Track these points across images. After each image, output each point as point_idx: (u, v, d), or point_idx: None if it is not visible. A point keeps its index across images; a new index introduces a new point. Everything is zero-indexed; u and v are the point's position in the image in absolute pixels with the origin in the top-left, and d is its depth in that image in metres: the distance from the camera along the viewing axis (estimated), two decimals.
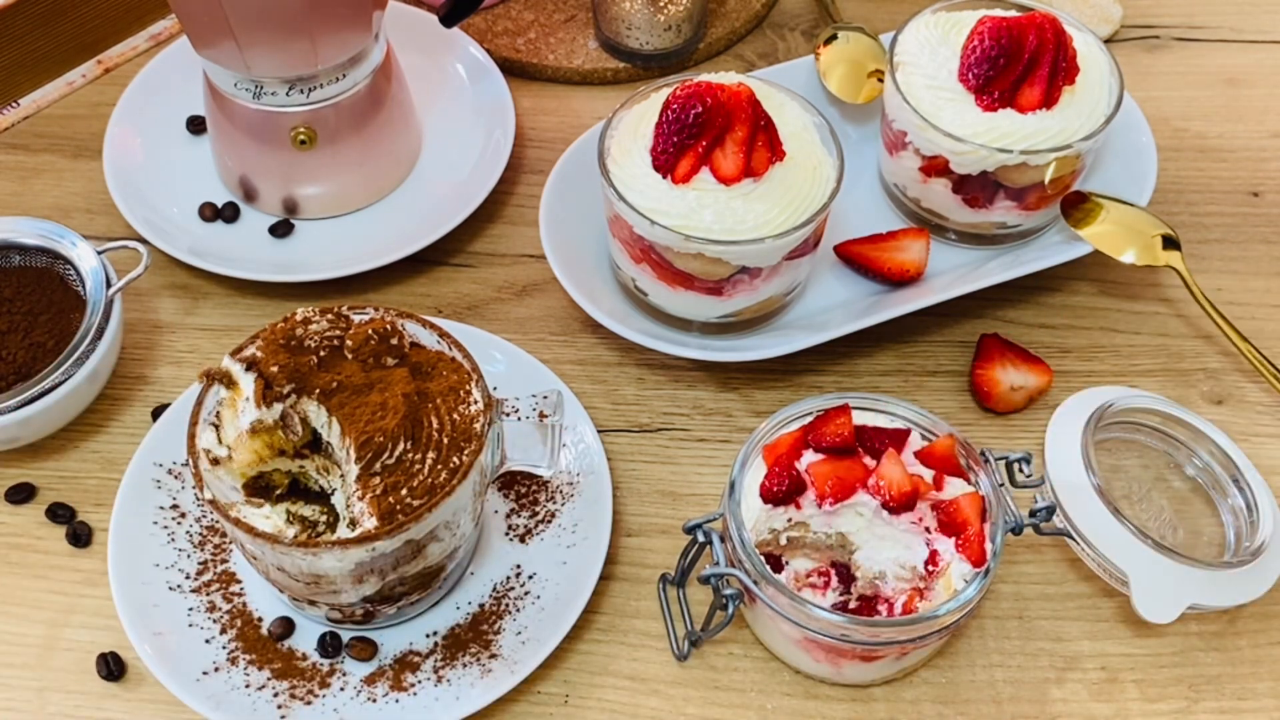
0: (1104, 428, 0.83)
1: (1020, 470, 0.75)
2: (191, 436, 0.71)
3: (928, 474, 0.73)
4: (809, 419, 0.75)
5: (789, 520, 0.74)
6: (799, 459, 0.73)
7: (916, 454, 0.73)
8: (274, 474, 0.74)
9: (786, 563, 0.77)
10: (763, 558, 0.73)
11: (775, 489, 0.72)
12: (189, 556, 0.79)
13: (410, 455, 0.69)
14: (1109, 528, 0.77)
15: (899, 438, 0.74)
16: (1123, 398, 0.83)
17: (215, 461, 0.71)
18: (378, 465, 0.68)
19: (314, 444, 0.73)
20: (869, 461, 0.73)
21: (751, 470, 0.74)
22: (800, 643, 0.73)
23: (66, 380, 0.83)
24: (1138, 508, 0.84)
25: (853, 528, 0.73)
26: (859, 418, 0.75)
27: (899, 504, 0.71)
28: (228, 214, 0.98)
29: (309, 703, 0.74)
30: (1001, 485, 0.73)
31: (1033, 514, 0.74)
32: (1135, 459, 0.86)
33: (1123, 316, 0.96)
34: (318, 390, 0.71)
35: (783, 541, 0.75)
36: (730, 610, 0.71)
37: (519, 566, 0.80)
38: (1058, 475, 0.79)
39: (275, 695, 0.74)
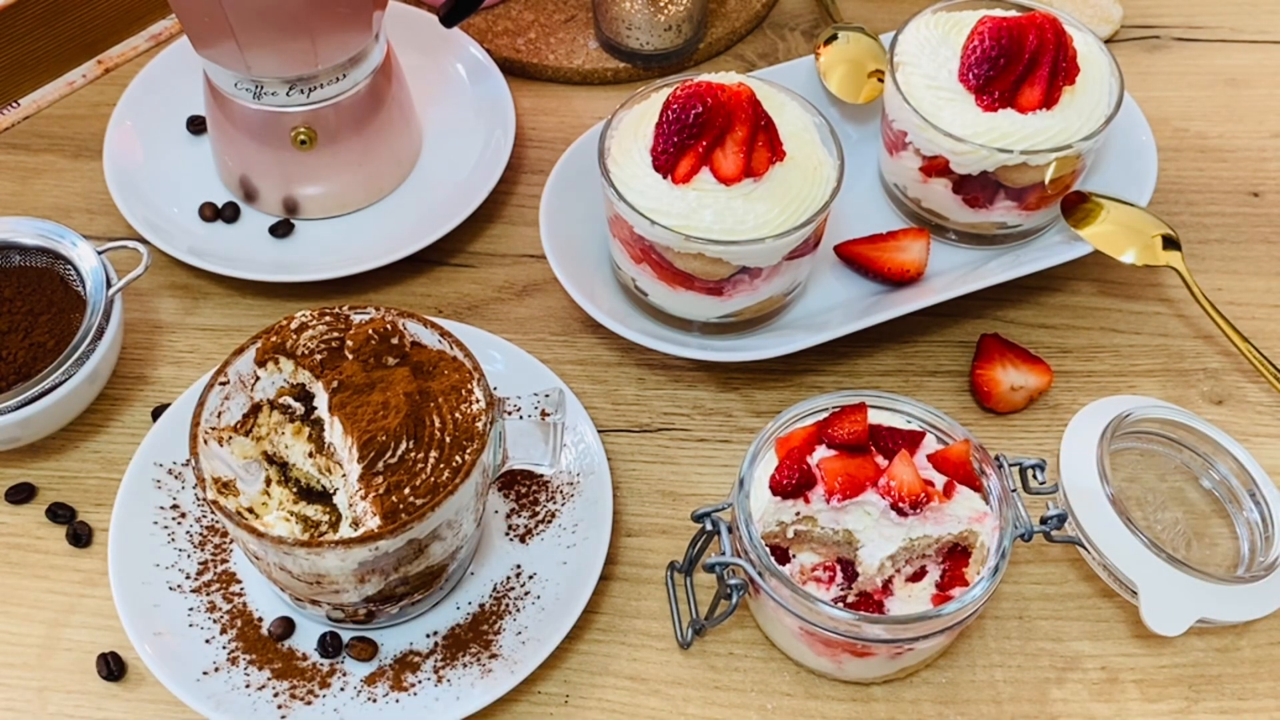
0: (1120, 437, 0.82)
1: (1034, 477, 0.74)
2: (194, 437, 0.71)
3: (939, 479, 0.72)
4: (824, 415, 0.75)
5: (797, 514, 0.74)
6: (811, 454, 0.73)
7: (930, 457, 0.73)
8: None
9: (793, 555, 0.77)
10: (768, 549, 0.73)
11: (785, 482, 0.72)
12: (189, 556, 0.79)
13: (412, 454, 0.69)
14: (1121, 538, 0.76)
15: (913, 439, 0.74)
16: (1140, 408, 0.82)
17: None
18: (380, 464, 0.68)
19: (306, 415, 0.74)
20: (881, 461, 0.73)
21: (763, 463, 0.74)
22: (802, 636, 0.73)
23: (66, 380, 0.83)
24: (1152, 519, 0.83)
25: (860, 525, 0.73)
26: (875, 416, 0.75)
27: (909, 505, 0.71)
28: (228, 214, 0.98)
29: (309, 703, 0.74)
30: (1014, 490, 0.73)
31: (1044, 521, 0.74)
32: (1151, 469, 0.85)
33: (1123, 316, 0.96)
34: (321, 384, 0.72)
35: (790, 534, 0.75)
36: (734, 599, 0.71)
37: (519, 566, 0.80)
38: (1071, 483, 0.78)
39: (275, 695, 0.74)
